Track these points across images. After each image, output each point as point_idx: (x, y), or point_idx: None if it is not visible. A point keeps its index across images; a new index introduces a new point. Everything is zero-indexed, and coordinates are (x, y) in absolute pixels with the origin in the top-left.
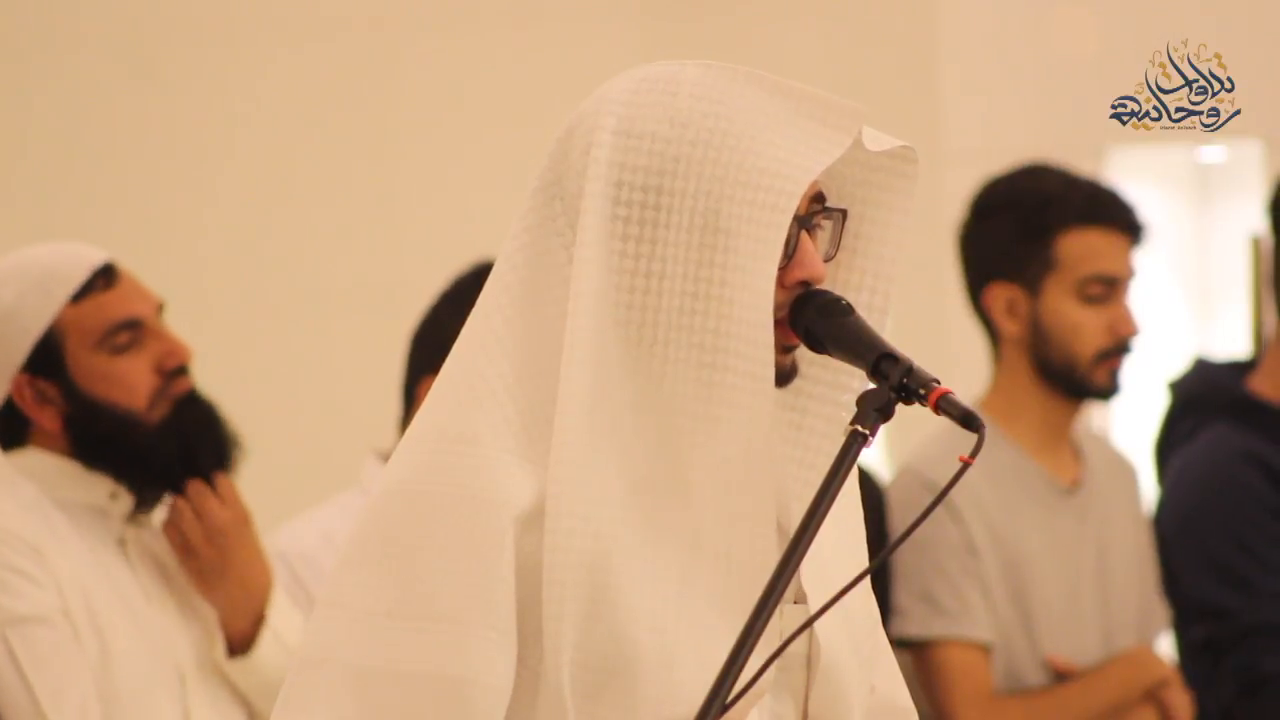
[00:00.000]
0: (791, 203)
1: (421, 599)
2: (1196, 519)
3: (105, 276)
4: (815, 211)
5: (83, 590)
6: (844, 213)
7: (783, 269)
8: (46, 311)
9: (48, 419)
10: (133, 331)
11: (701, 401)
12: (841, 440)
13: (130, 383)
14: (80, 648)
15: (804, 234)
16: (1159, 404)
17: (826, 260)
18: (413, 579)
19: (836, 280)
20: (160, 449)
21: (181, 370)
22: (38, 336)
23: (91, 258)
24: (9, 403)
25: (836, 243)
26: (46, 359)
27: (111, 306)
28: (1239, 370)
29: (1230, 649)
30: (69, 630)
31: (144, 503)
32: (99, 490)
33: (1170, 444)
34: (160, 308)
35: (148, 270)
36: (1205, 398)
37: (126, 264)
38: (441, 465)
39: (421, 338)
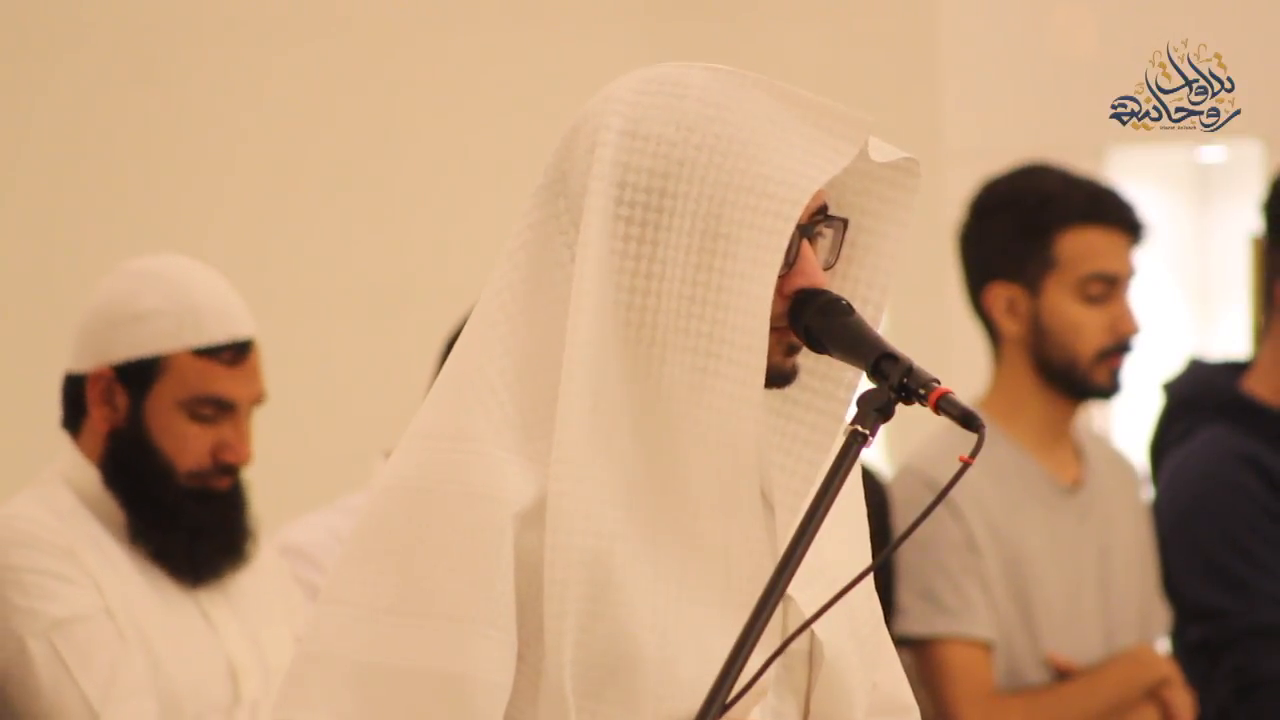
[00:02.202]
0: (795, 211)
1: (422, 596)
2: (1192, 521)
3: (237, 352)
4: (817, 220)
5: (123, 593)
6: (845, 222)
7: (783, 276)
8: (166, 344)
9: (99, 418)
10: (219, 410)
11: (692, 404)
12: (828, 445)
13: (186, 447)
14: (125, 642)
15: (805, 242)
16: (1158, 404)
17: (826, 269)
18: (413, 576)
19: (831, 288)
20: (174, 508)
21: (231, 469)
22: (143, 355)
23: (240, 328)
24: (82, 382)
25: (837, 251)
26: (138, 376)
27: (220, 380)
28: (1234, 371)
29: (1226, 651)
30: (112, 627)
31: (161, 557)
32: (120, 521)
33: (1165, 445)
34: (258, 399)
35: None
36: (1200, 399)
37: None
38: (442, 462)
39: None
